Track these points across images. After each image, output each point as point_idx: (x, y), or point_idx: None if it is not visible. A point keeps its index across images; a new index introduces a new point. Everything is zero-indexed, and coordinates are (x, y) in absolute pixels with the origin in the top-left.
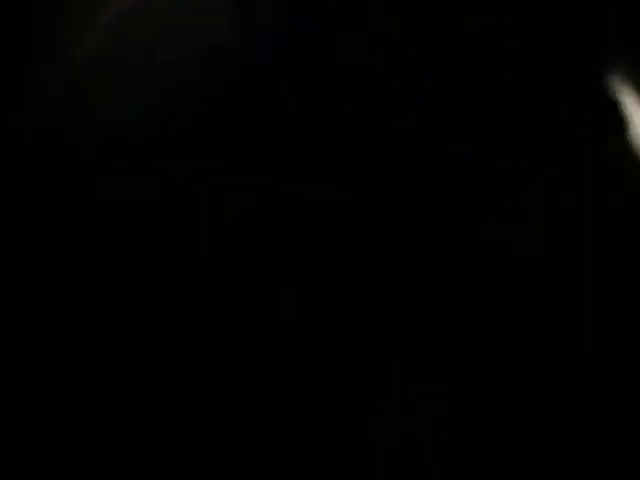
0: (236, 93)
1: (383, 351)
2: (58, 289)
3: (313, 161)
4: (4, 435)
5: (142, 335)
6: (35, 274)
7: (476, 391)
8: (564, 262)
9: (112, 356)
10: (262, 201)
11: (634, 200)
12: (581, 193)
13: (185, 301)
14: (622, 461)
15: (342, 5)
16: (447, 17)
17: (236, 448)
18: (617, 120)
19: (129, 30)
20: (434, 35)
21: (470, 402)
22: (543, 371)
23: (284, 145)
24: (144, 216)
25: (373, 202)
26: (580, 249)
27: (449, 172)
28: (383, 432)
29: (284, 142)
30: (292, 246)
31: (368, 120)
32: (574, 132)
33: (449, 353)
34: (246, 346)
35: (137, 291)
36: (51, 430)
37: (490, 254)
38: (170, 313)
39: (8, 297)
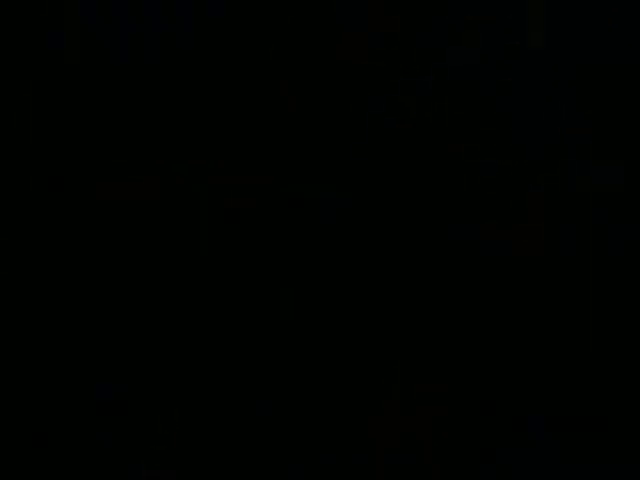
0: (235, 88)
1: (383, 351)
2: (58, 288)
3: (313, 161)
4: (4, 435)
5: (142, 335)
6: (35, 273)
7: (476, 391)
8: (564, 262)
9: (112, 356)
10: (262, 201)
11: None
12: (581, 193)
13: (185, 301)
14: (622, 461)
15: (342, 5)
16: (447, 17)
17: (236, 448)
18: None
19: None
20: (434, 35)
21: (470, 402)
22: (543, 371)
23: (284, 145)
24: (144, 216)
25: (373, 202)
26: (580, 249)
27: (449, 172)
28: (383, 432)
29: (284, 142)
30: (292, 246)
31: (368, 120)
32: (574, 132)
33: (449, 353)
34: (246, 346)
35: (137, 291)
36: (51, 430)
37: (490, 254)
38: (170, 313)
39: (8, 296)
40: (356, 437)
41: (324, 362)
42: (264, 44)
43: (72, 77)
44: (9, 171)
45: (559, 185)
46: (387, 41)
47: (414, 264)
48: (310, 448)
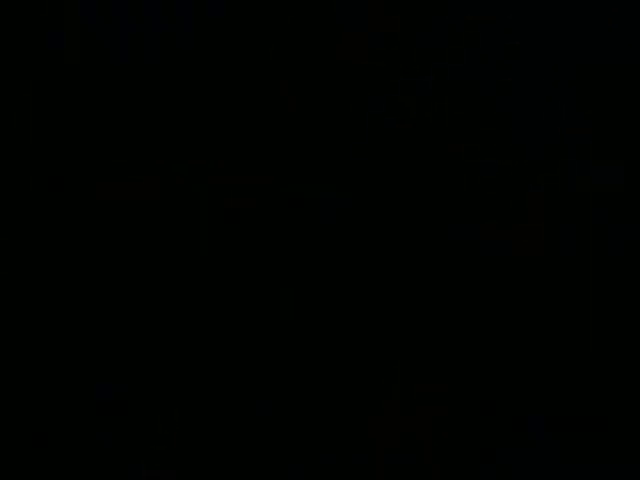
0: (234, 86)
1: (383, 351)
2: (58, 288)
3: (313, 161)
4: (4, 435)
5: (142, 335)
6: (35, 273)
7: (476, 391)
8: (564, 262)
9: (112, 356)
10: (262, 201)
11: (633, 200)
12: (581, 193)
13: (185, 301)
14: (622, 461)
15: (342, 5)
16: (447, 17)
17: (236, 448)
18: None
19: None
20: (434, 35)
21: (470, 402)
22: (543, 371)
23: (284, 145)
24: (144, 216)
25: (373, 202)
26: (580, 249)
27: (449, 172)
28: (383, 432)
29: (284, 142)
30: (292, 246)
31: (368, 120)
32: (574, 132)
33: (449, 353)
34: (246, 346)
35: (137, 291)
36: (51, 430)
37: (490, 254)
38: (170, 313)
39: (8, 296)
40: (356, 437)
41: (324, 362)
42: (264, 44)
43: (72, 77)
44: (9, 171)
45: (559, 185)
46: (387, 41)
47: (414, 264)
48: (310, 448)
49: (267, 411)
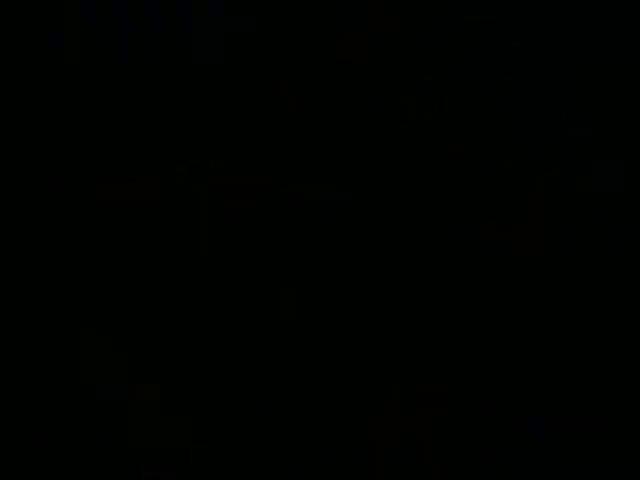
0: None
1: (383, 351)
2: (58, 288)
3: (313, 161)
4: (4, 435)
5: (142, 335)
6: (35, 273)
7: (476, 391)
8: (564, 262)
9: (112, 356)
10: (262, 201)
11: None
12: (581, 193)
13: (185, 301)
14: (622, 461)
15: (342, 5)
16: (447, 17)
17: (236, 448)
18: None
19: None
20: (434, 35)
21: (470, 402)
22: (543, 371)
23: (284, 145)
24: (144, 216)
25: (373, 202)
26: (580, 249)
27: (449, 172)
28: (383, 432)
29: (284, 142)
30: (292, 246)
31: (368, 120)
32: (574, 132)
33: (449, 353)
34: (246, 346)
35: (137, 291)
36: (51, 430)
37: (490, 254)
38: (170, 313)
39: (8, 296)
40: (356, 437)
41: (324, 362)
42: (264, 44)
43: (72, 77)
44: (9, 171)
45: (559, 185)
46: (387, 41)
47: (414, 264)
48: (310, 448)
49: (267, 411)
